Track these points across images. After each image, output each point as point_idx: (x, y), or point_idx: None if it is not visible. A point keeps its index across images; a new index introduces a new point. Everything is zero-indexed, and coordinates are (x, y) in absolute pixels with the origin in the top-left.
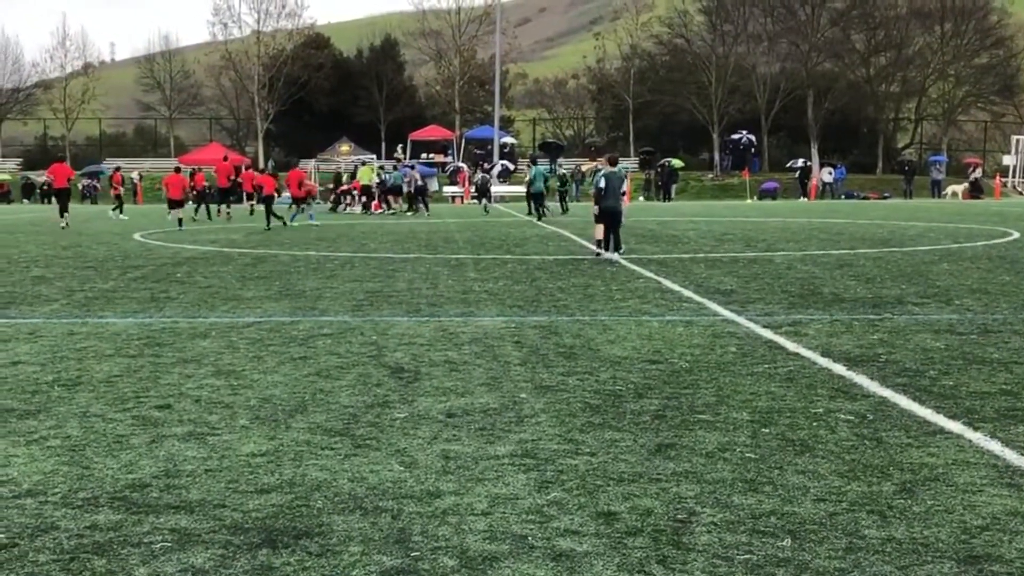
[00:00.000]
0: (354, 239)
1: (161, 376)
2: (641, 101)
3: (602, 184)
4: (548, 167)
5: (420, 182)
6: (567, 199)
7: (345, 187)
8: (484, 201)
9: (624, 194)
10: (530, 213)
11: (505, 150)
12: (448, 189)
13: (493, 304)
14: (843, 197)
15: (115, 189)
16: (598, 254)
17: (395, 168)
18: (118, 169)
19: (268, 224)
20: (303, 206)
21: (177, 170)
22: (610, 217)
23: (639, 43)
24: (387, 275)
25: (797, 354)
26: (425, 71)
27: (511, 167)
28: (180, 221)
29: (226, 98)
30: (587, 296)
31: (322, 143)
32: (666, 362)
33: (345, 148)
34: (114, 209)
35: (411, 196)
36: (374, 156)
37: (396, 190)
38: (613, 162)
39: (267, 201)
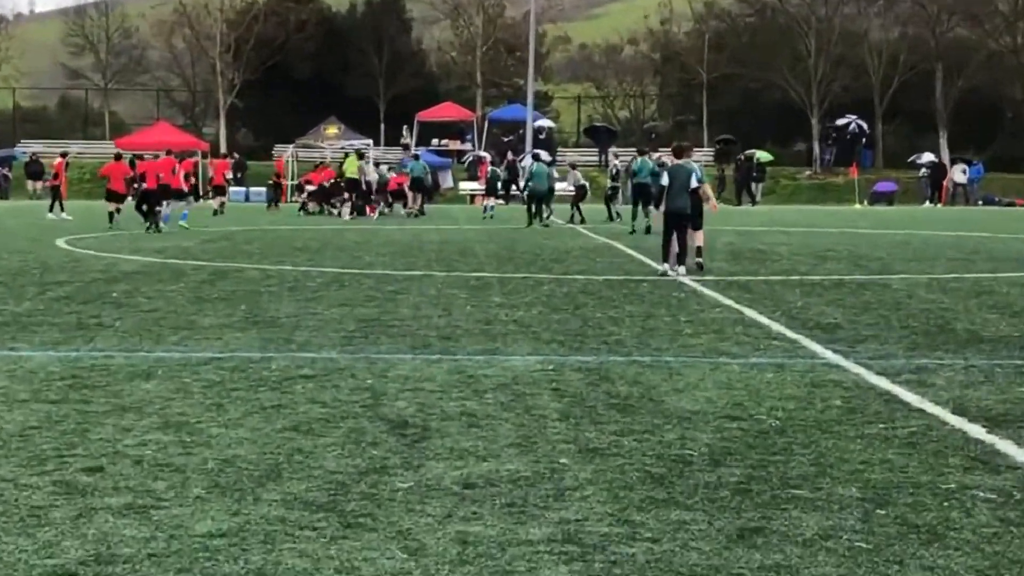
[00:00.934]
0: (343, 249)
1: (91, 429)
2: (718, 75)
3: (665, 181)
4: (550, 164)
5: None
6: (615, 202)
7: (309, 178)
8: (491, 202)
9: (704, 194)
10: (530, 222)
11: (541, 136)
12: (466, 185)
13: (525, 339)
14: (980, 203)
15: (54, 180)
16: (663, 273)
17: (415, 157)
18: (64, 155)
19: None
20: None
21: (118, 157)
22: (676, 221)
23: None
24: (386, 298)
25: (922, 411)
26: (438, 32)
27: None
28: (111, 215)
29: (179, 64)
30: (647, 330)
31: (303, 123)
32: (750, 419)
33: (332, 130)
34: (52, 207)
35: (397, 194)
36: (370, 142)
37: (416, 184)
38: (679, 153)
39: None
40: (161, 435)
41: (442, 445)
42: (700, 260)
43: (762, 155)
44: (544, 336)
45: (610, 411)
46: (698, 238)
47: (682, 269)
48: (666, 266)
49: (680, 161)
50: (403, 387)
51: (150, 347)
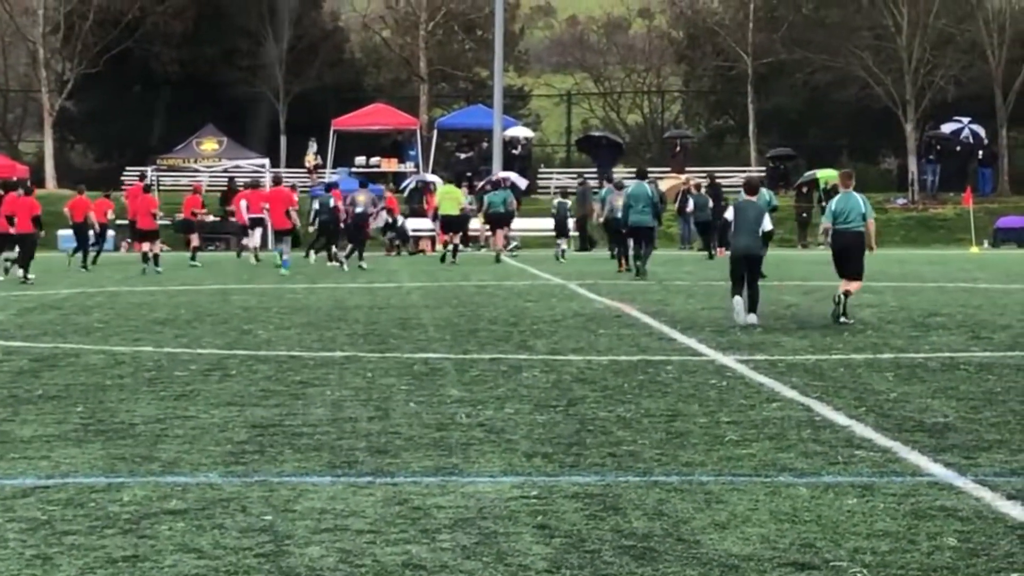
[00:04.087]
0: (228, 320)
1: None
2: (769, 62)
3: (730, 216)
4: (505, 193)
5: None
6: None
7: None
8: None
9: (762, 230)
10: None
11: (515, 150)
12: (412, 223)
13: (495, 452)
14: None
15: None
16: (743, 325)
17: (327, 188)
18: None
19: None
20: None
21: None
22: (743, 264)
23: None
24: (292, 393)
25: None
26: (362, 4)
27: (523, 184)
28: None
29: None
30: (674, 436)
31: (167, 136)
32: (826, 567)
33: (210, 144)
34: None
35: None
36: (265, 162)
37: (498, 219)
38: (752, 190)
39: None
40: None
41: None
42: (840, 312)
43: (829, 175)
44: (523, 447)
45: (621, 558)
46: (851, 285)
47: (752, 318)
48: (740, 314)
49: (752, 198)
50: (318, 526)
51: None
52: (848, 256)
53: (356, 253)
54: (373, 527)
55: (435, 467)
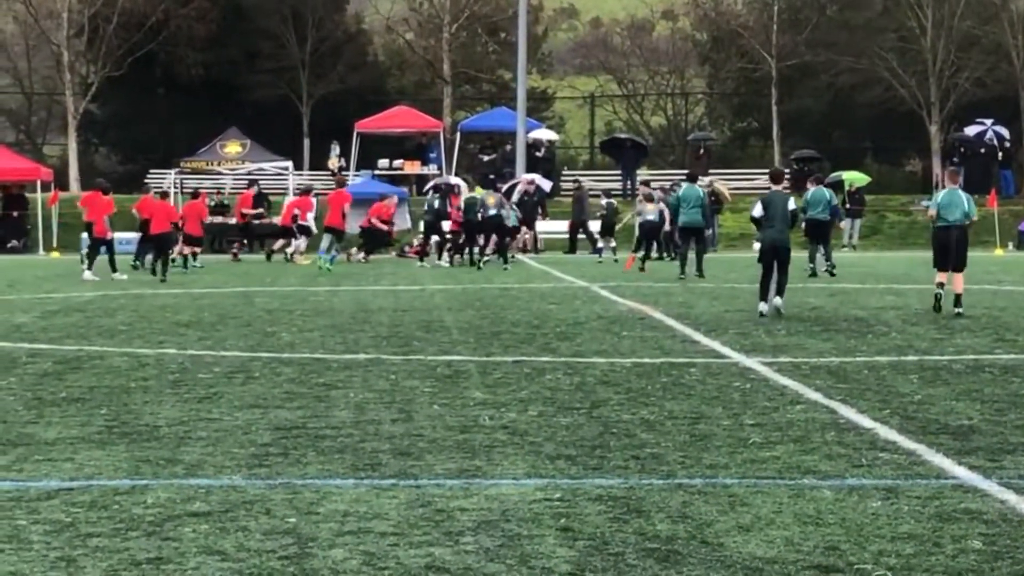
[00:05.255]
0: (251, 323)
1: None
2: (793, 64)
3: (757, 212)
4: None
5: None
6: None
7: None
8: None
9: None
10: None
11: (538, 152)
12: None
13: (519, 454)
14: None
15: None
16: (761, 314)
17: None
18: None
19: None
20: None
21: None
22: (772, 256)
23: None
24: (315, 396)
25: None
26: (386, 7)
27: (547, 187)
28: None
29: (8, 54)
30: (698, 439)
31: (193, 139)
32: (850, 570)
33: (234, 147)
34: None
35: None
36: (289, 164)
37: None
38: (777, 178)
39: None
40: None
41: None
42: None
43: (856, 177)
44: (547, 449)
45: (645, 560)
46: (957, 283)
47: (778, 300)
48: (764, 306)
49: (779, 187)
50: (341, 529)
51: None
52: (951, 249)
53: (498, 255)
54: (396, 529)
55: (458, 469)
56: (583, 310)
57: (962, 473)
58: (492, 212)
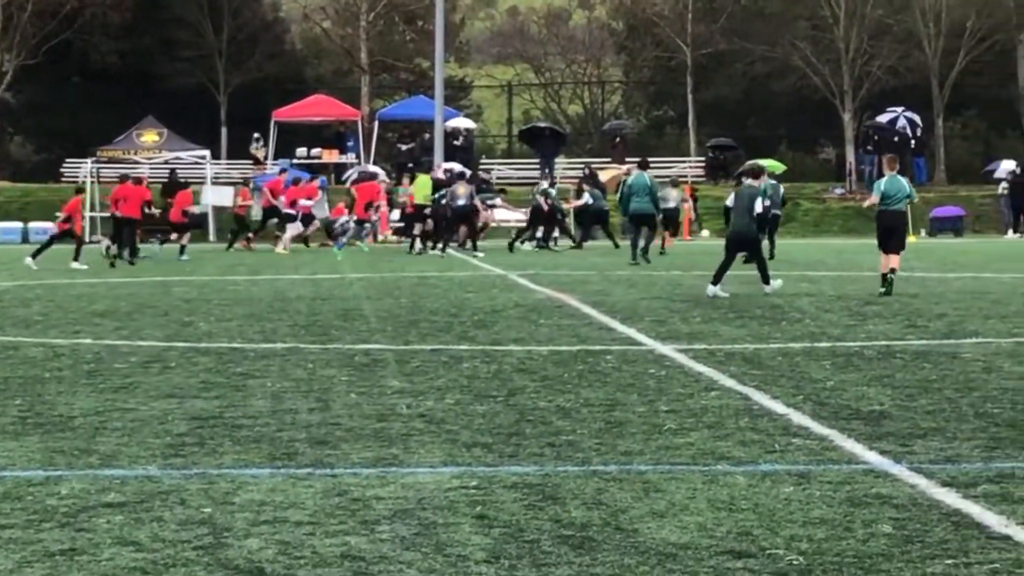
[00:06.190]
0: (168, 312)
1: None
2: (708, 53)
3: (729, 203)
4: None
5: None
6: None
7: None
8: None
9: (766, 214)
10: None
11: (456, 141)
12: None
13: (435, 442)
14: None
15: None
16: (713, 296)
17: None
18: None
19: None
20: None
21: None
22: (736, 245)
23: None
24: (232, 385)
25: (1007, 538)
26: None
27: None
28: None
29: None
30: (613, 425)
31: (109, 127)
32: (762, 555)
33: (151, 136)
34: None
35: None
36: (206, 153)
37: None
38: (756, 174)
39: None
40: None
41: None
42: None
43: (772, 165)
44: (463, 437)
45: (560, 547)
46: (894, 260)
47: (778, 283)
48: (712, 289)
49: (756, 183)
50: (257, 518)
51: None
52: (892, 233)
53: (469, 243)
54: (312, 519)
55: (375, 458)
56: (500, 298)
57: (873, 458)
58: (462, 202)
